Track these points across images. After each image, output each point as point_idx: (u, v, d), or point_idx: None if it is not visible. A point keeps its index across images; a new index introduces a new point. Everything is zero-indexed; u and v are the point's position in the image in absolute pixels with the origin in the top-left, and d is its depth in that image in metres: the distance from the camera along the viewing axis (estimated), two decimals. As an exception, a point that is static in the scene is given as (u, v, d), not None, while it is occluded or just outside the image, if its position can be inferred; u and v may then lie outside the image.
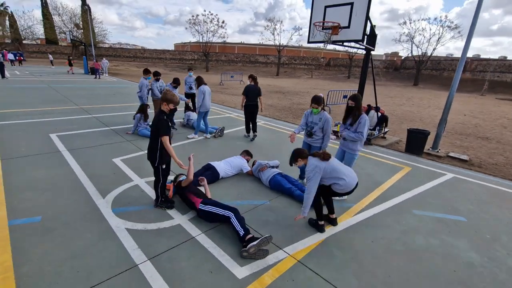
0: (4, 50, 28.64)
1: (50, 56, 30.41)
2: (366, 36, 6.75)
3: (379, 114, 8.16)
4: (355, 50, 7.20)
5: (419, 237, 3.32)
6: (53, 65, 28.68)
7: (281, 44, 43.05)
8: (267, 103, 13.99)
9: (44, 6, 43.64)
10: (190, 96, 8.56)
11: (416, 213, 3.89)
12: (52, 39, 44.75)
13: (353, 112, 3.93)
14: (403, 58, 50.46)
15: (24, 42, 43.10)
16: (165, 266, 2.54)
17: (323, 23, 5.71)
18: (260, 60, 54.12)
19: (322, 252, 2.94)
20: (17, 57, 28.31)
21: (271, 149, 6.40)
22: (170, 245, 2.83)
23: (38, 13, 56.36)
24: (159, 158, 3.29)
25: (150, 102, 7.29)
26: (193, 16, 45.34)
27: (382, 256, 2.93)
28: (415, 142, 6.91)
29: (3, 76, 15.37)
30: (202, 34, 41.35)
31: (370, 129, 8.09)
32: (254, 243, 2.66)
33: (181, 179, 3.73)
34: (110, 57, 45.20)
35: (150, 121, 6.67)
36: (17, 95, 10.93)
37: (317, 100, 4.09)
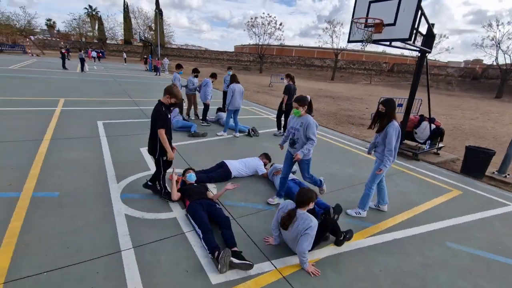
0: (89, 49, 33.56)
1: (124, 54, 34.59)
2: (423, 37, 5.96)
3: (433, 126, 7.10)
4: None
5: (444, 275, 2.71)
6: (125, 62, 32.54)
7: (340, 47, 41.25)
8: (314, 107, 13.44)
9: (126, 10, 49.87)
10: (226, 93, 8.68)
11: (451, 246, 3.20)
12: (129, 40, 50.88)
13: (381, 119, 3.43)
14: (486, 66, 43.56)
15: (107, 42, 49.92)
16: (145, 257, 2.54)
17: (366, 20, 5.17)
18: (316, 63, 52.78)
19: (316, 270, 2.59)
20: (97, 54, 32.93)
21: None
22: (158, 237, 2.83)
23: (120, 17, 64.57)
24: (159, 150, 3.33)
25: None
26: (251, 18, 46.52)
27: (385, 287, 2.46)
28: (475, 162, 5.79)
29: (82, 70, 18.01)
30: (259, 36, 42.21)
31: (420, 143, 7.11)
32: (219, 266, 2.43)
33: (188, 174, 3.73)
34: (175, 57, 49.33)
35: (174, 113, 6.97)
36: (87, 86, 12.61)
37: (299, 100, 3.40)
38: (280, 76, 27.16)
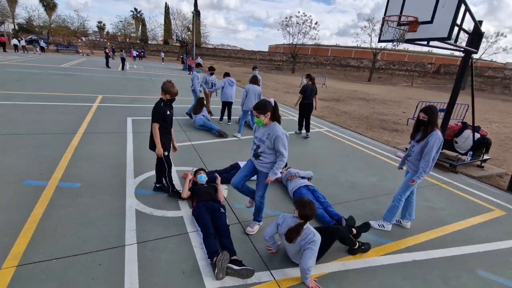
0: (131, 49, 35.86)
1: (162, 54, 36.41)
2: (468, 35, 5.35)
3: (477, 135, 6.36)
4: (475, 55, 5.76)
5: (468, 310, 2.37)
6: (163, 62, 34.24)
7: (380, 47, 39.06)
8: (343, 109, 12.95)
9: (166, 12, 52.47)
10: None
11: (482, 275, 2.80)
12: (167, 40, 53.46)
13: (424, 128, 3.13)
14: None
15: (148, 42, 52.95)
16: (146, 254, 2.58)
17: (399, 17, 4.77)
18: (352, 63, 50.71)
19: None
20: (141, 54, 35.10)
21: (318, 159, 5.81)
22: (162, 235, 2.87)
23: (160, 18, 68.10)
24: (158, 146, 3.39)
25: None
26: (286, 18, 46.02)
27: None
28: (526, 179, 5.07)
29: (123, 68, 19.31)
30: (293, 36, 41.66)
31: (460, 153, 6.42)
32: (216, 270, 2.37)
33: (199, 175, 3.73)
34: (209, 57, 50.75)
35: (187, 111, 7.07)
36: (124, 84, 13.44)
37: (258, 107, 2.79)
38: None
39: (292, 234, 2.47)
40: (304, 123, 7.29)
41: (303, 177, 4.15)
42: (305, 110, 7.14)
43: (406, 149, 6.44)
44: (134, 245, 2.68)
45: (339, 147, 6.81)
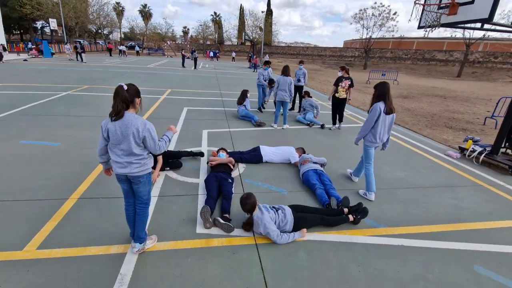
0: (207, 51, 39.52)
1: (233, 53, 38.99)
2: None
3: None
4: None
5: (434, 294, 2.33)
6: (233, 61, 36.69)
7: (484, 35, 32.79)
8: (407, 106, 11.91)
9: (241, 14, 55.67)
10: (298, 88, 8.87)
11: (477, 271, 2.61)
12: (239, 40, 56.67)
13: (371, 101, 3.76)
14: None
15: (223, 43, 57.23)
16: (161, 204, 3.34)
17: (440, 0, 4.41)
18: (439, 57, 44.19)
19: (288, 247, 2.75)
20: (216, 55, 38.44)
21: (346, 151, 5.78)
22: (178, 193, 3.61)
23: (235, 20, 72.28)
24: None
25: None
26: (360, 10, 43.08)
27: (351, 284, 2.37)
28: None
29: (195, 67, 21.78)
30: (367, 29, 38.84)
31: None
32: (220, 220, 2.93)
33: (220, 153, 4.35)
34: (278, 55, 51.70)
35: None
36: (192, 80, 15.27)
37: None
38: (382, 72, 24.52)
39: (246, 226, 2.94)
40: (337, 117, 7.30)
41: (315, 162, 4.35)
42: (339, 103, 7.10)
43: (460, 147, 5.82)
44: (156, 197, 3.48)
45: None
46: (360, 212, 3.20)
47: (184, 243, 2.73)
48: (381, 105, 3.56)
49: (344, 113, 7.66)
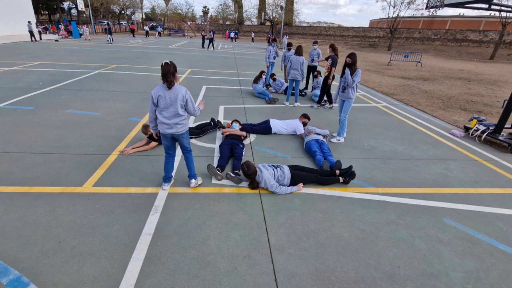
0: (227, 31, 39.42)
1: (252, 34, 38.73)
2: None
3: None
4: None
5: (403, 232, 2.88)
6: (253, 41, 36.52)
7: None
8: (424, 88, 11.82)
9: (261, -7, 54.22)
10: (311, 68, 9.17)
11: (447, 222, 3.11)
12: (259, 20, 55.60)
13: (350, 67, 4.89)
14: None
15: (243, 23, 56.46)
16: (184, 162, 4.04)
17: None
18: (472, 37, 41.32)
19: (285, 196, 3.38)
20: (235, 35, 38.36)
21: (353, 127, 6.20)
22: (196, 154, 4.29)
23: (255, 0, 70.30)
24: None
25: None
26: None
27: (333, 223, 2.97)
28: None
29: (213, 48, 22.20)
30: (394, 7, 36.86)
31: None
32: (231, 174, 3.58)
33: (233, 124, 4.95)
34: (299, 35, 50.48)
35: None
36: (210, 61, 15.78)
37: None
38: (404, 53, 23.65)
39: (251, 186, 3.51)
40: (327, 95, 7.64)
41: (318, 134, 4.86)
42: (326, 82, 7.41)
43: (465, 126, 6.06)
44: (179, 156, 4.18)
45: (385, 120, 6.87)
46: (349, 174, 3.73)
47: (202, 189, 3.43)
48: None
49: (357, 93, 7.95)
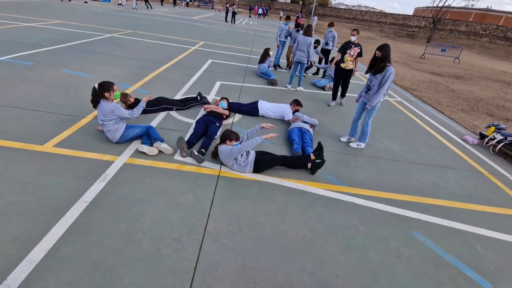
0: (256, 7, 37.96)
1: (281, 12, 37.05)
2: None
3: None
4: None
5: (359, 240, 2.61)
6: (280, 20, 35.07)
7: None
8: (452, 87, 10.81)
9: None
10: (325, 52, 8.55)
11: (415, 236, 2.78)
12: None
13: (377, 63, 3.88)
14: None
15: (275, 0, 54.09)
16: (161, 132, 3.91)
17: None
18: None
19: (244, 182, 3.17)
20: (263, 12, 36.88)
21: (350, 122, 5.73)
22: (175, 128, 4.14)
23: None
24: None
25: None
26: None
27: (284, 218, 2.74)
28: None
29: (234, 22, 21.62)
30: (440, -5, 33.51)
31: None
32: (195, 152, 3.43)
33: (221, 102, 4.69)
34: (331, 18, 47.73)
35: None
36: (228, 35, 15.27)
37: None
38: (442, 46, 21.61)
39: (213, 154, 3.48)
40: (339, 91, 6.36)
41: (305, 122, 4.52)
42: (342, 74, 6.03)
43: (481, 133, 5.43)
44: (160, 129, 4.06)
45: (391, 116, 6.31)
46: (318, 148, 3.49)
47: (161, 163, 3.29)
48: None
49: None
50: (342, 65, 5.91)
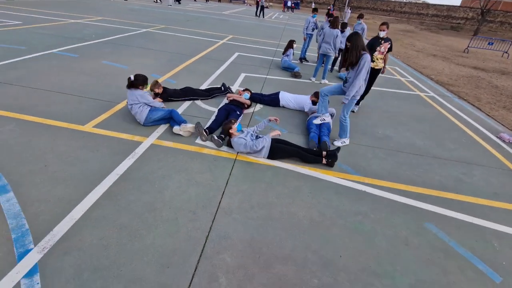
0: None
1: (313, 4, 36.08)
2: None
3: None
4: None
5: (367, 226, 2.66)
6: (293, 12, 34.57)
7: None
8: (496, 83, 10.01)
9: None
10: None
11: (427, 227, 2.76)
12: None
13: (349, 55, 3.67)
14: None
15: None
16: (187, 118, 4.21)
17: None
18: None
19: (260, 167, 3.34)
20: (292, 5, 36.27)
21: (377, 114, 5.63)
22: (196, 114, 4.42)
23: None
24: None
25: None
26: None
27: (294, 201, 2.87)
28: None
29: (263, 16, 21.69)
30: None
31: None
32: (215, 137, 3.64)
33: (244, 94, 4.89)
34: (367, 10, 45.61)
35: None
36: (257, 29, 15.37)
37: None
38: (489, 40, 19.74)
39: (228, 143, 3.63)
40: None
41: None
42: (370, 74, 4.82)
43: None
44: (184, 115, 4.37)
45: (421, 111, 6.05)
46: (332, 156, 3.48)
47: (183, 146, 3.57)
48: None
49: (402, 79, 7.06)
50: (372, 64, 5.15)
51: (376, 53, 5.18)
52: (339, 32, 6.47)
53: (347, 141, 4.16)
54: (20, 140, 3.27)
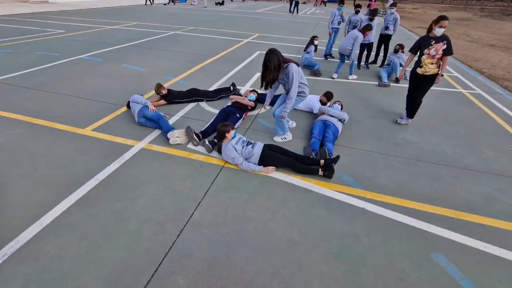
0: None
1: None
2: None
3: None
4: None
5: (356, 252, 2.26)
6: (325, 6, 32.63)
7: None
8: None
9: None
10: (385, 38, 7.51)
11: (434, 259, 2.26)
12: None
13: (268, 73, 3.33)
14: None
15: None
16: (179, 121, 4.14)
17: None
18: None
19: (247, 175, 3.09)
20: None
21: (390, 110, 4.96)
22: (197, 117, 4.31)
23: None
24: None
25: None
26: None
27: (275, 216, 2.57)
28: None
29: (297, 12, 21.07)
30: None
31: None
32: (206, 142, 3.49)
33: (250, 95, 4.65)
34: (412, 2, 41.69)
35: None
36: (286, 26, 14.87)
37: None
38: None
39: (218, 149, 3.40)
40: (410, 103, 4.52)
41: (332, 116, 4.11)
42: (416, 83, 4.33)
43: None
44: (179, 117, 4.30)
45: (460, 111, 5.19)
46: (328, 168, 3.07)
47: (173, 150, 3.48)
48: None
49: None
50: (419, 70, 4.16)
51: (424, 56, 4.05)
52: (361, 35, 5.92)
53: (288, 136, 3.89)
54: (22, 143, 3.47)
